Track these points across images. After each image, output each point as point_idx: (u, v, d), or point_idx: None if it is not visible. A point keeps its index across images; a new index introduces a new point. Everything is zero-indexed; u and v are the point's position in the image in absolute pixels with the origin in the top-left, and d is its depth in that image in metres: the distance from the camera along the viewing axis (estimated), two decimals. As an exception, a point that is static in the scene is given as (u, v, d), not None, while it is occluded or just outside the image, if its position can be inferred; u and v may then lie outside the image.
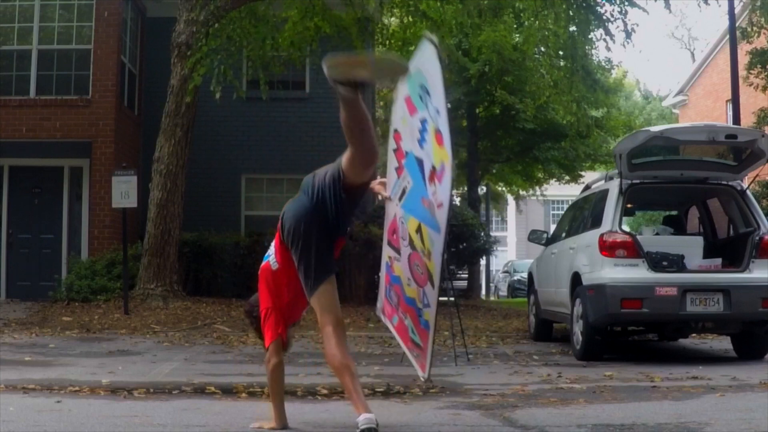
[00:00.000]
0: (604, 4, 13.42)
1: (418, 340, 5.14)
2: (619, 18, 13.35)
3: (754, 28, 16.78)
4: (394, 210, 5.12)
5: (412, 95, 4.67)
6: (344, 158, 4.16)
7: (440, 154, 4.47)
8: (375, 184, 5.12)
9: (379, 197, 5.20)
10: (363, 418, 3.89)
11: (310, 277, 4.15)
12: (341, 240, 4.33)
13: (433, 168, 4.55)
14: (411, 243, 4.95)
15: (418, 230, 4.82)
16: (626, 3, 13.27)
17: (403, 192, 4.91)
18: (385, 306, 5.68)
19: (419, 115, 4.63)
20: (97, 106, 14.02)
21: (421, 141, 4.65)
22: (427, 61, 4.43)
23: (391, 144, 5.05)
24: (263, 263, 4.45)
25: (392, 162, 5.03)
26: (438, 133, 4.43)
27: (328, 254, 4.20)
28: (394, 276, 5.37)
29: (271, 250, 4.44)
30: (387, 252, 5.44)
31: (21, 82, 14.23)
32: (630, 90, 44.60)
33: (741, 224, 8.30)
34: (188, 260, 13.58)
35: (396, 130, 5.00)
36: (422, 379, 5.34)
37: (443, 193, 4.52)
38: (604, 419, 4.75)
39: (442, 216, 4.54)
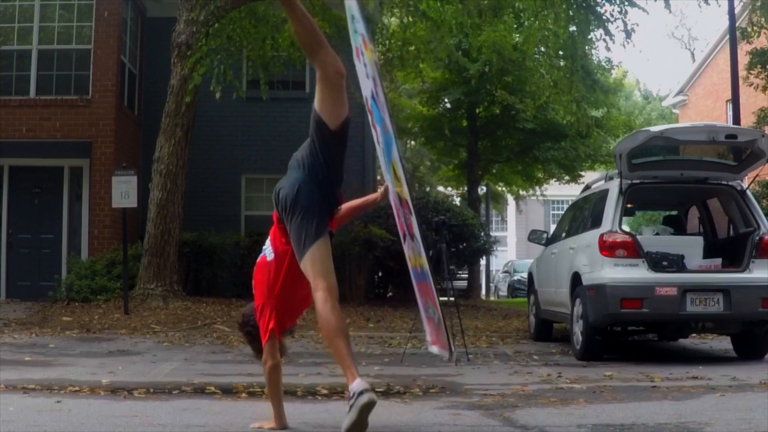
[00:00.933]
0: (604, 4, 13.41)
1: (436, 315, 4.93)
2: (619, 18, 13.35)
3: (754, 28, 16.79)
4: (391, 192, 4.90)
5: (354, 42, 4.59)
6: (316, 100, 4.14)
7: (370, 56, 4.41)
8: (380, 191, 5.02)
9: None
10: (356, 383, 3.72)
11: (302, 236, 4.01)
12: (334, 218, 4.28)
13: (374, 81, 4.46)
14: (398, 198, 4.81)
15: (394, 174, 4.69)
16: (626, 3, 13.26)
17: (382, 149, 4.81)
18: (426, 326, 5.37)
19: (358, 48, 4.55)
20: (97, 106, 14.02)
21: (366, 69, 4.54)
22: None
23: (369, 119, 4.93)
24: (258, 259, 4.42)
25: (374, 136, 4.91)
26: (364, 39, 4.40)
27: (322, 217, 4.09)
28: (413, 269, 5.21)
29: (267, 243, 4.41)
30: (406, 251, 5.25)
31: (21, 82, 14.23)
32: (630, 90, 44.62)
33: (741, 224, 8.30)
34: (188, 260, 13.58)
35: (365, 98, 4.86)
36: (448, 359, 5.05)
37: (381, 88, 4.41)
38: (604, 419, 4.75)
39: (385, 111, 4.43)
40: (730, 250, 8.27)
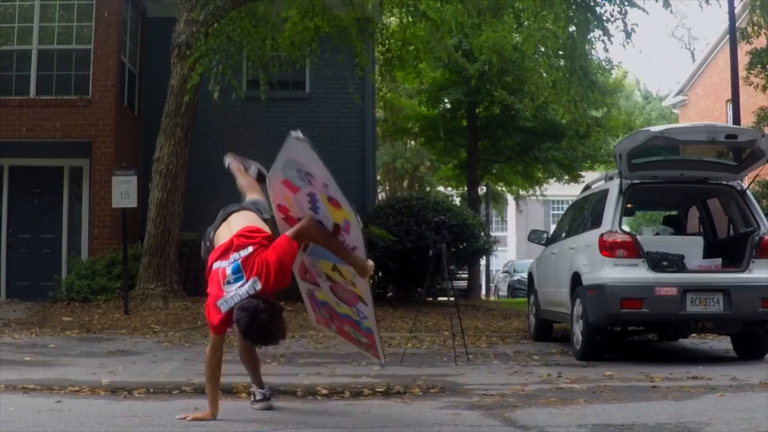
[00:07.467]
0: (604, 4, 13.39)
1: (363, 339, 5.41)
2: (618, 18, 13.34)
3: (754, 28, 16.77)
4: (299, 258, 5.23)
5: (290, 178, 4.83)
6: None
7: (341, 215, 4.75)
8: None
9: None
10: None
11: None
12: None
13: (336, 225, 4.84)
14: (329, 278, 5.19)
15: (334, 269, 5.05)
16: (626, 3, 13.25)
17: (306, 245, 5.06)
18: (319, 319, 5.89)
19: (303, 191, 4.82)
20: (97, 106, 14.01)
21: (315, 209, 4.86)
22: (298, 153, 4.60)
23: (278, 215, 5.22)
24: None
25: (284, 229, 5.13)
26: (332, 200, 4.68)
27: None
28: (320, 301, 5.56)
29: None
30: (304, 286, 5.60)
31: (21, 82, 14.22)
32: (630, 90, 44.59)
33: (741, 224, 8.30)
34: (188, 260, 13.55)
35: (279, 205, 5.15)
36: (381, 366, 5.69)
37: (354, 239, 4.82)
38: (604, 419, 4.76)
39: (360, 255, 4.86)
40: (730, 250, 8.27)
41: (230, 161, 5.66)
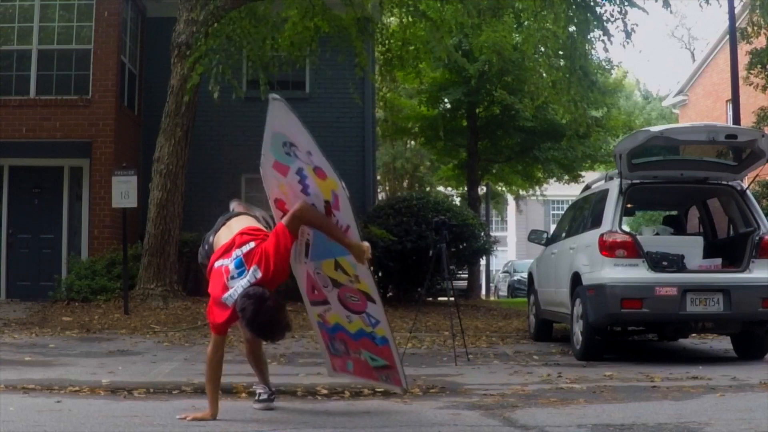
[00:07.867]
0: (604, 4, 13.39)
1: (382, 362, 5.24)
2: (618, 18, 13.34)
3: (754, 28, 16.78)
4: (303, 269, 5.20)
5: (278, 158, 4.78)
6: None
7: (328, 186, 4.66)
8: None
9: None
10: None
11: None
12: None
13: (327, 202, 4.75)
14: (335, 282, 5.07)
15: (337, 266, 4.96)
16: (626, 3, 13.25)
17: (307, 246, 5.03)
18: (334, 362, 5.70)
19: (293, 169, 4.76)
20: (97, 106, 14.01)
21: (306, 189, 4.79)
22: (280, 119, 4.57)
23: (277, 215, 5.14)
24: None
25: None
26: (317, 170, 4.61)
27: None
28: (331, 327, 5.40)
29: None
30: (313, 311, 5.48)
31: (21, 82, 14.21)
32: (630, 90, 44.58)
33: (741, 224, 8.30)
34: (188, 260, 13.54)
35: (277, 200, 5.09)
36: (402, 392, 5.49)
37: (345, 217, 4.73)
38: (604, 419, 4.76)
39: (354, 237, 4.76)
40: (730, 250, 8.27)
41: (235, 206, 5.63)
